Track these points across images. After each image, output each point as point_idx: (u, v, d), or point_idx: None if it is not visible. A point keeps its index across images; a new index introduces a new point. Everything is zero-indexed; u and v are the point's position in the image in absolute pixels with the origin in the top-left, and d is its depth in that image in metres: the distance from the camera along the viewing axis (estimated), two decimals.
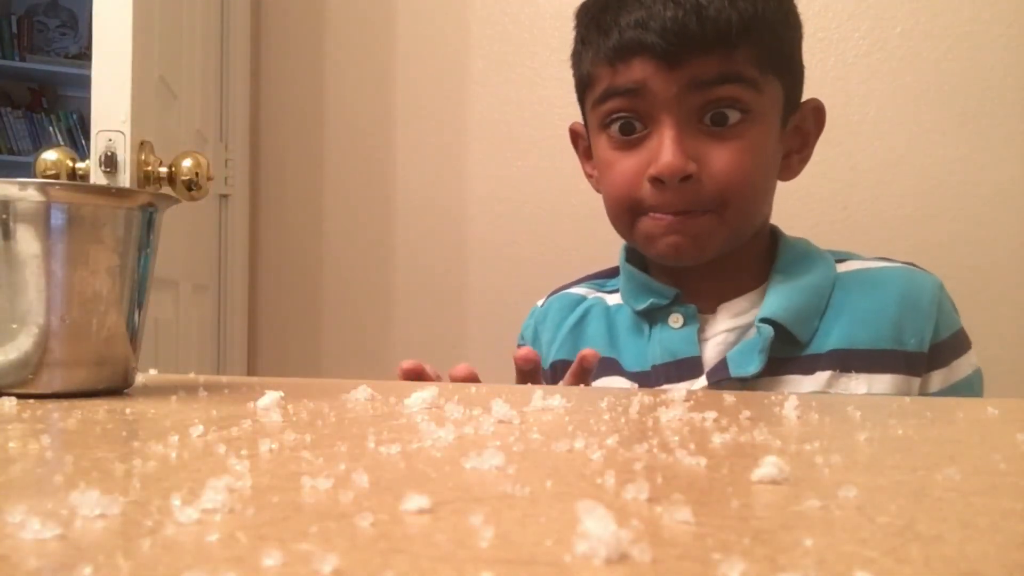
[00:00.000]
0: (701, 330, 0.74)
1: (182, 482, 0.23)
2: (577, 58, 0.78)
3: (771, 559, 0.17)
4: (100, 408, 0.39)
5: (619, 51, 0.70)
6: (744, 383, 0.70)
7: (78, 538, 0.18)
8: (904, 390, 0.70)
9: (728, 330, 0.73)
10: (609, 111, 0.72)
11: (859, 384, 0.69)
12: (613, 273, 0.85)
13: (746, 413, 0.39)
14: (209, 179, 1.13)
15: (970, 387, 0.72)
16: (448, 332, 1.64)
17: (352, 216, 1.69)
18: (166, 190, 1.12)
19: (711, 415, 0.37)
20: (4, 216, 0.42)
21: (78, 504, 0.19)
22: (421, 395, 0.41)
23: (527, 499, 0.22)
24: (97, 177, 1.05)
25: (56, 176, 1.07)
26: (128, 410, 0.39)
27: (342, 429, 0.33)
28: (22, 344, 0.43)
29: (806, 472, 0.26)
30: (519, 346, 0.84)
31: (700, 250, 0.71)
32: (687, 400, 0.43)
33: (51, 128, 3.11)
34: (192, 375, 0.57)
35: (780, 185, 0.78)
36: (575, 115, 0.84)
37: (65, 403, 0.41)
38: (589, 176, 0.82)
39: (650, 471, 0.25)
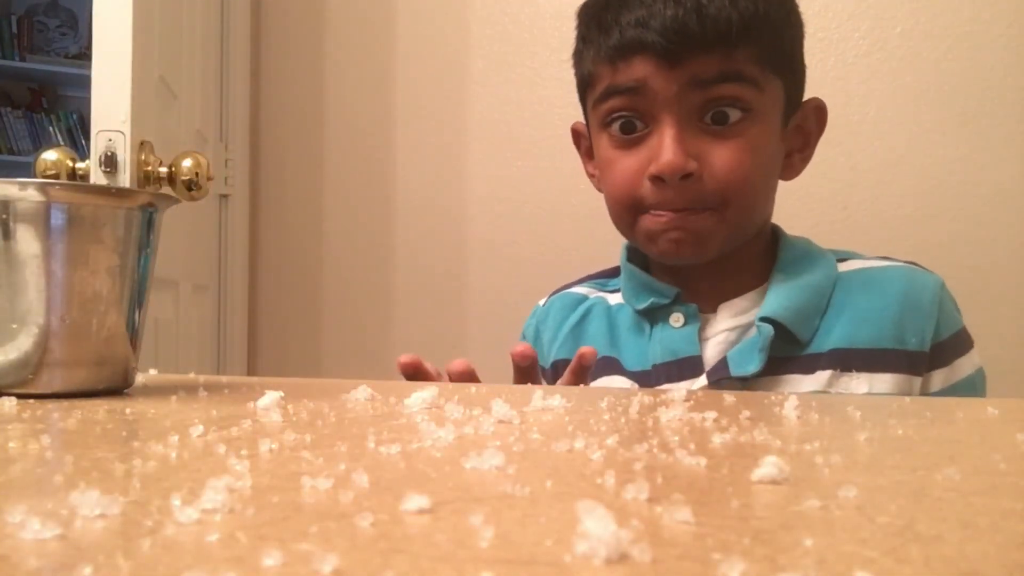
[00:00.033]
0: (702, 329, 0.74)
1: (182, 482, 0.23)
2: (578, 57, 0.78)
3: (771, 559, 0.17)
4: (100, 408, 0.39)
5: (620, 50, 0.70)
6: (744, 382, 0.70)
7: (78, 538, 0.18)
8: (905, 390, 0.70)
9: (729, 329, 0.74)
10: (610, 110, 0.73)
11: (860, 383, 0.69)
12: (615, 273, 0.85)
13: (746, 413, 0.39)
14: (209, 179, 1.13)
15: (972, 387, 0.72)
16: (448, 332, 1.64)
17: (352, 216, 1.69)
18: (166, 190, 1.12)
19: (711, 415, 0.37)
20: (4, 216, 0.42)
21: (78, 504, 0.19)
22: (421, 395, 0.41)
23: (527, 499, 0.22)
24: (97, 177, 1.05)
25: (56, 176, 1.07)
26: (128, 410, 0.39)
27: (342, 429, 0.33)
28: (22, 344, 0.43)
29: (806, 472, 0.26)
30: None
31: (700, 248, 0.72)
32: (687, 400, 0.43)
33: (51, 128, 3.11)
34: (192, 375, 0.57)
35: (780, 185, 0.78)
36: (575, 115, 0.84)
37: (65, 403, 0.41)
38: (591, 176, 0.82)
39: (650, 471, 0.25)
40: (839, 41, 1.49)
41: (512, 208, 1.62)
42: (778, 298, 0.72)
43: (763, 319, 0.70)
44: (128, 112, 1.05)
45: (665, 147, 0.68)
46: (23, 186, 0.43)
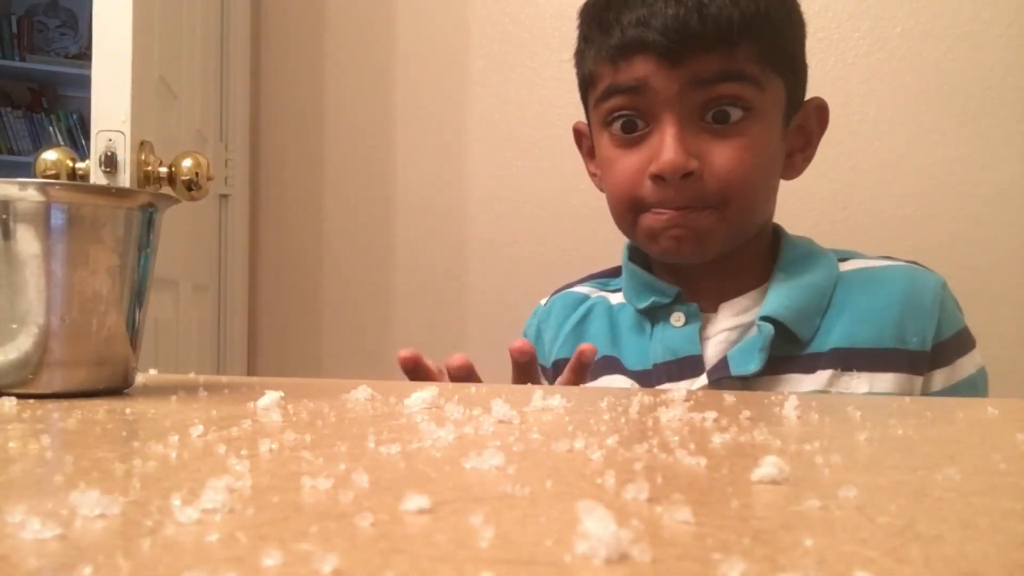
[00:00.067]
0: (703, 329, 0.74)
1: (182, 482, 0.23)
2: (580, 56, 0.78)
3: (771, 559, 0.17)
4: (100, 408, 0.39)
5: (621, 49, 0.70)
6: (745, 382, 0.70)
7: (78, 538, 0.18)
8: (906, 389, 0.70)
9: (729, 329, 0.74)
10: (611, 109, 0.73)
11: (860, 383, 0.69)
12: (616, 272, 0.85)
13: (746, 413, 0.39)
14: (209, 179, 1.13)
15: (974, 386, 0.72)
16: (448, 332, 1.64)
17: (352, 216, 1.69)
18: (166, 190, 1.12)
19: (711, 415, 0.37)
20: (4, 216, 0.42)
21: (78, 504, 0.19)
22: (421, 395, 0.41)
23: (527, 499, 0.22)
24: (97, 177, 1.05)
25: (56, 176, 1.07)
26: (128, 410, 0.39)
27: (342, 429, 0.33)
28: (22, 344, 0.43)
29: (806, 472, 0.26)
30: None
31: (701, 246, 0.72)
32: (687, 400, 0.43)
33: (51, 128, 3.11)
34: (192, 375, 0.57)
35: (780, 185, 0.78)
36: (575, 115, 0.84)
37: (65, 403, 0.41)
38: (592, 175, 0.82)
39: (650, 471, 0.25)
40: (839, 41, 1.49)
41: (512, 208, 1.62)
42: (779, 297, 0.72)
43: (764, 318, 0.70)
44: (128, 112, 1.05)
45: (666, 146, 0.68)
46: (23, 186, 0.43)
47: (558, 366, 0.81)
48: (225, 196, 1.63)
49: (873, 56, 1.48)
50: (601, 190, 0.79)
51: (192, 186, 1.11)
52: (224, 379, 0.56)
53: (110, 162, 1.05)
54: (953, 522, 0.20)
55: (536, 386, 0.56)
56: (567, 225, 1.58)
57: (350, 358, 1.69)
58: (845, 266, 0.76)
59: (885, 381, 0.70)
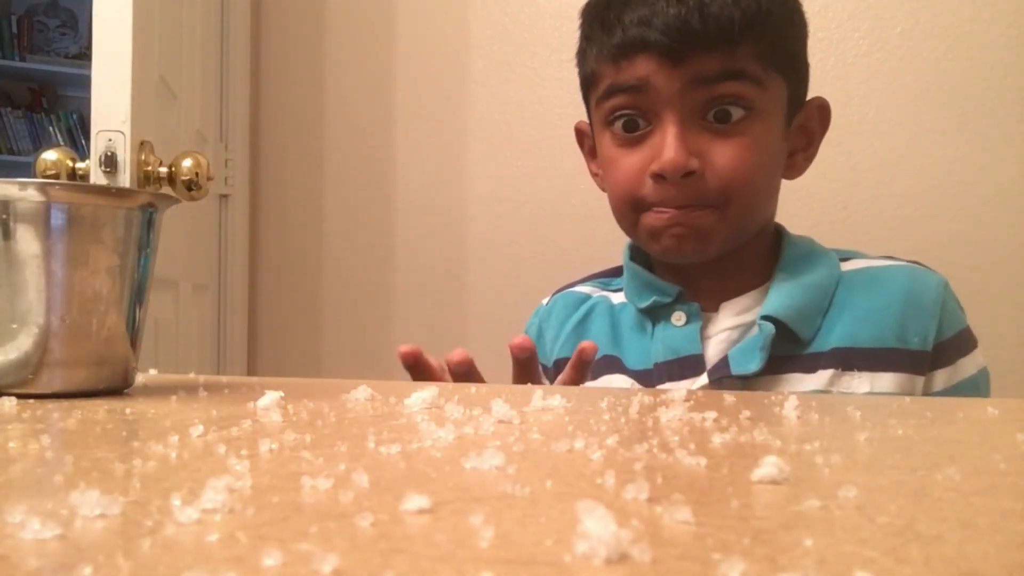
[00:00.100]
0: (704, 328, 0.74)
1: (182, 482, 0.23)
2: (582, 56, 0.78)
3: (771, 559, 0.17)
4: (100, 408, 0.39)
5: (622, 48, 0.70)
6: (745, 381, 0.70)
7: (78, 538, 0.18)
8: (908, 389, 0.70)
9: (731, 328, 0.74)
10: (612, 108, 0.73)
11: (862, 383, 0.69)
12: (618, 272, 0.85)
13: (746, 413, 0.39)
14: (209, 179, 1.13)
15: (975, 386, 0.72)
16: (448, 332, 1.64)
17: (352, 216, 1.69)
18: (166, 190, 1.12)
19: (711, 415, 0.37)
20: (4, 216, 0.42)
21: (78, 504, 0.19)
22: (421, 395, 0.41)
23: (527, 499, 0.22)
24: (97, 177, 1.05)
25: (56, 176, 1.07)
26: (128, 410, 0.39)
27: (342, 429, 0.33)
28: (22, 344, 0.43)
29: (806, 472, 0.26)
30: None
31: (702, 244, 0.72)
32: (687, 400, 0.43)
33: (51, 128, 3.11)
34: (192, 375, 0.57)
35: (780, 185, 0.78)
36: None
37: (65, 403, 0.41)
38: (594, 175, 0.82)
39: (650, 471, 0.25)
40: (839, 41, 1.48)
41: (512, 208, 1.62)
42: (780, 297, 0.72)
43: (764, 317, 0.70)
44: (128, 112, 1.05)
45: (667, 145, 0.68)
46: (23, 186, 0.43)
47: (559, 365, 0.81)
48: (225, 196, 1.63)
49: (873, 56, 1.48)
50: (603, 190, 0.79)
51: (192, 186, 1.11)
52: (224, 379, 0.56)
53: (110, 162, 1.05)
54: (953, 522, 0.20)
55: (536, 386, 0.56)
56: (567, 225, 1.58)
57: (350, 358, 1.69)
58: (847, 266, 0.76)
59: (886, 381, 0.70)
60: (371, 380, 0.50)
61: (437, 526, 0.19)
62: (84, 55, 2.98)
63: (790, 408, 0.39)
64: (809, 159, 0.79)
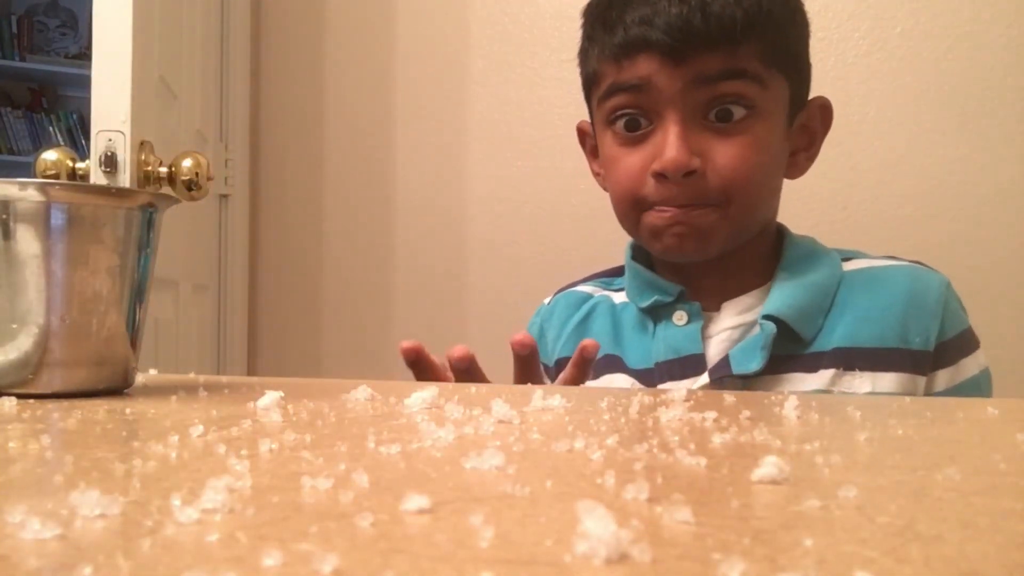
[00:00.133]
0: (705, 327, 0.74)
1: (182, 482, 0.23)
2: (583, 56, 0.78)
3: (771, 559, 0.17)
4: (100, 408, 0.39)
5: (624, 48, 0.70)
6: (746, 380, 0.70)
7: (78, 538, 0.18)
8: (909, 389, 0.70)
9: (732, 327, 0.74)
10: (614, 107, 0.73)
11: (863, 383, 0.69)
12: (619, 272, 0.85)
13: (746, 413, 0.39)
14: (209, 179, 1.13)
15: (977, 387, 0.72)
16: (448, 332, 1.64)
17: (352, 216, 1.69)
18: (166, 190, 1.12)
19: (711, 415, 0.37)
20: (4, 216, 0.42)
21: (78, 504, 0.19)
22: (421, 395, 0.41)
23: (527, 499, 0.22)
24: (97, 177, 1.05)
25: (56, 176, 1.07)
26: (128, 410, 0.39)
27: (342, 429, 0.33)
28: (22, 344, 0.43)
29: (806, 472, 0.26)
30: None
31: (703, 243, 0.72)
32: (687, 400, 0.43)
33: (51, 128, 3.11)
34: (192, 375, 0.57)
35: (782, 184, 0.77)
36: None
37: (65, 403, 0.41)
38: (596, 175, 0.83)
39: (650, 471, 0.25)
40: (839, 41, 1.48)
41: (512, 208, 1.62)
42: (782, 296, 0.72)
43: (766, 317, 0.70)
44: (128, 112, 1.05)
45: (669, 144, 0.69)
46: (23, 186, 0.43)
47: (561, 364, 0.81)
48: (225, 196, 1.63)
49: (873, 56, 1.48)
50: (605, 189, 0.79)
51: (192, 186, 1.11)
52: (224, 379, 0.56)
53: (110, 162, 1.05)
54: (953, 522, 0.20)
55: (536, 386, 0.56)
56: (567, 225, 1.58)
57: (350, 358, 1.69)
58: (848, 265, 0.76)
59: (888, 381, 0.70)
60: (371, 380, 0.50)
61: (437, 526, 0.19)
62: (84, 55, 2.98)
63: (790, 408, 0.39)
64: (811, 159, 0.79)
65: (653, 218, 0.72)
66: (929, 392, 0.71)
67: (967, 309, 0.77)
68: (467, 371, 0.64)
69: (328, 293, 1.70)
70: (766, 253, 0.77)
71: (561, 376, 0.67)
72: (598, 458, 0.27)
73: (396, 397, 0.44)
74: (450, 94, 1.65)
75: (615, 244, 0.83)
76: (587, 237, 1.54)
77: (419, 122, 1.66)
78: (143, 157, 1.09)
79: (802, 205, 1.45)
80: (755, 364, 0.69)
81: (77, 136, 3.13)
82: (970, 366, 0.72)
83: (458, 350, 0.64)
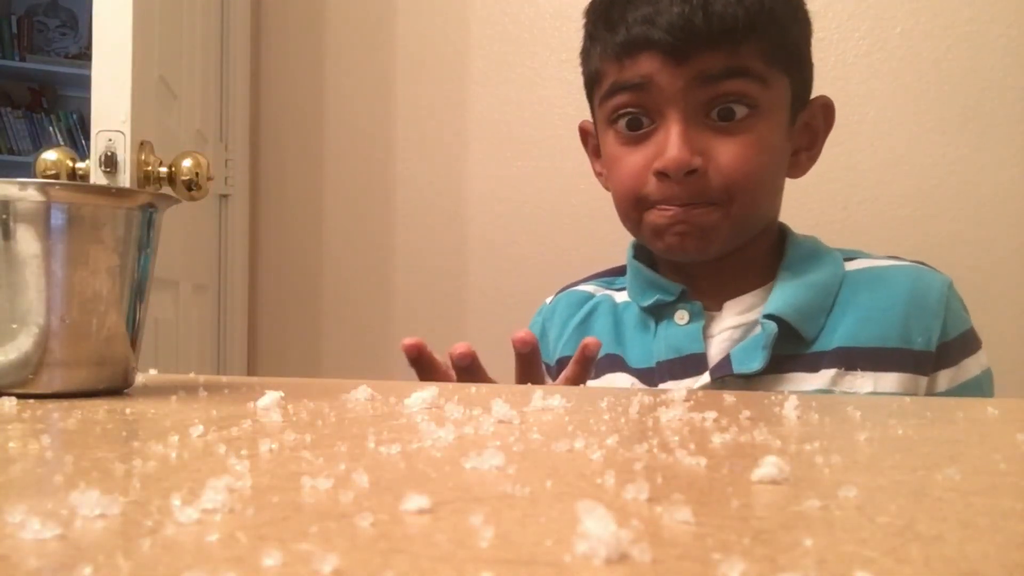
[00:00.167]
0: (707, 327, 0.74)
1: (182, 482, 0.23)
2: (585, 55, 0.78)
3: (771, 559, 0.17)
4: (100, 408, 0.39)
5: (626, 47, 0.70)
6: (748, 380, 0.70)
7: (78, 538, 0.18)
8: (911, 389, 0.70)
9: (733, 327, 0.74)
10: (616, 106, 0.73)
11: (864, 382, 0.69)
12: (621, 271, 0.85)
13: (746, 413, 0.39)
14: (209, 179, 1.13)
15: (979, 387, 0.72)
16: (448, 332, 1.64)
17: (352, 216, 1.69)
18: (166, 190, 1.12)
19: (711, 415, 0.37)
20: (4, 216, 0.42)
21: (78, 504, 0.19)
22: (421, 395, 0.41)
23: (527, 499, 0.22)
24: (97, 177, 1.05)
25: (56, 176, 1.07)
26: (128, 410, 0.39)
27: (342, 429, 0.33)
28: (22, 344, 0.43)
29: (806, 472, 0.26)
30: None
31: (705, 242, 0.72)
32: (687, 400, 0.43)
33: (51, 128, 3.11)
34: (192, 375, 0.57)
35: (784, 184, 0.77)
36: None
37: (65, 403, 0.41)
38: (599, 174, 0.83)
39: (650, 471, 0.25)
40: (839, 41, 1.48)
41: (512, 208, 1.62)
42: (783, 296, 0.72)
43: (767, 316, 0.70)
44: (128, 112, 1.05)
45: (671, 143, 0.69)
46: (23, 186, 0.43)
47: (562, 363, 0.81)
48: (225, 196, 1.63)
49: (873, 56, 1.48)
50: (607, 189, 0.79)
51: (192, 186, 1.11)
52: (224, 379, 0.56)
53: (110, 162, 1.05)
54: (953, 522, 0.20)
55: (536, 386, 0.56)
56: (567, 225, 1.58)
57: (350, 358, 1.69)
58: (851, 265, 0.76)
59: (889, 381, 0.69)
60: (371, 380, 0.50)
61: (437, 526, 0.19)
62: (84, 55, 2.98)
63: (790, 408, 0.39)
64: (813, 158, 0.79)
65: (655, 217, 0.72)
66: (931, 392, 0.71)
67: (967, 309, 0.77)
68: (469, 369, 0.64)
69: (328, 293, 1.70)
70: (768, 252, 0.77)
71: (563, 374, 0.67)
72: (598, 458, 0.27)
73: (396, 397, 0.44)
74: (450, 94, 1.65)
75: (615, 244, 0.83)
76: (587, 237, 1.54)
77: (419, 122, 1.66)
78: (143, 157, 1.09)
79: (803, 205, 1.45)
80: (756, 363, 0.69)
81: (77, 136, 3.13)
82: (972, 366, 0.72)
83: (460, 347, 0.64)
